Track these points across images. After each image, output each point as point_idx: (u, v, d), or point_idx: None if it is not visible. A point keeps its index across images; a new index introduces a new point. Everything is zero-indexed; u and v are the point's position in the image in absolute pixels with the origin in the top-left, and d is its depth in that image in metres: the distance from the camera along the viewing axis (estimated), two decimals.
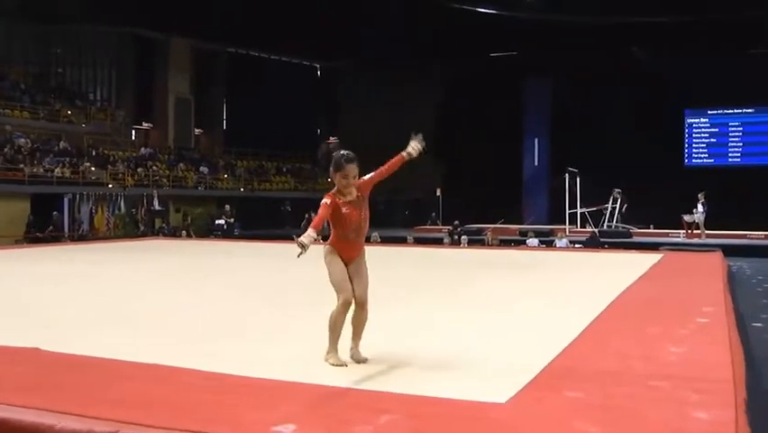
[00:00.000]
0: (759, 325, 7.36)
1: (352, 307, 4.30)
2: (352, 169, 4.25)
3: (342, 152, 4.30)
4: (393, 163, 4.41)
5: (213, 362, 4.33)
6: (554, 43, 28.22)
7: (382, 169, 4.40)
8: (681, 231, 22.94)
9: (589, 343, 5.03)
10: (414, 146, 4.49)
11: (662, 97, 28.76)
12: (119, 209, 25.33)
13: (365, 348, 4.46)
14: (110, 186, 25.79)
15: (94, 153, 27.37)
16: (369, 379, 4.00)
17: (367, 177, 4.37)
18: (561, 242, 19.42)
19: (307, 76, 38.73)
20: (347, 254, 4.32)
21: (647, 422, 3.24)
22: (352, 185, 4.27)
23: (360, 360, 4.35)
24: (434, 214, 30.78)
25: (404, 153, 4.45)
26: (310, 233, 3.95)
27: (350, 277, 4.29)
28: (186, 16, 28.59)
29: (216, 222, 25.45)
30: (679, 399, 3.59)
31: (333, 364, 4.23)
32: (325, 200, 4.23)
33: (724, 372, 4.15)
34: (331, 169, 4.29)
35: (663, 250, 15.87)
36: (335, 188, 4.32)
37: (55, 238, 21.67)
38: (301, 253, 3.91)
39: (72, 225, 23.87)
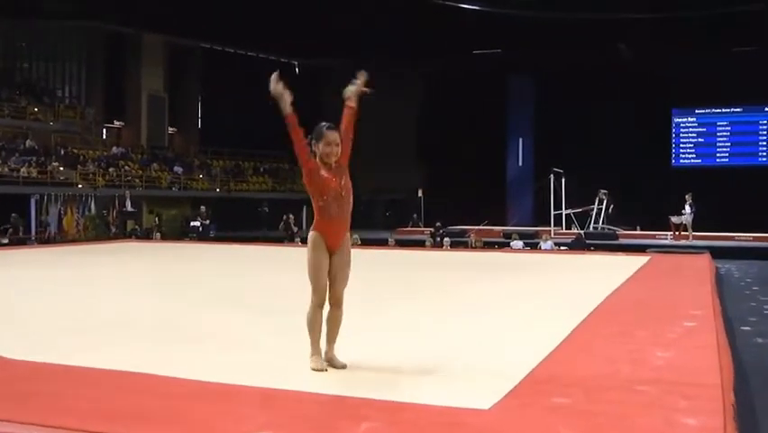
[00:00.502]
0: (747, 328, 7.41)
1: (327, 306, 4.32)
2: (334, 135, 4.30)
3: (321, 123, 4.36)
4: (345, 119, 4.39)
5: (187, 368, 4.29)
6: (539, 40, 28.34)
7: (342, 129, 4.36)
8: (669, 233, 23.12)
9: (575, 347, 5.04)
10: (350, 89, 4.46)
11: (649, 96, 28.98)
12: (89, 211, 25.09)
13: (345, 353, 4.44)
14: (80, 186, 25.56)
15: (62, 152, 27.11)
16: (348, 385, 3.97)
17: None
18: (546, 244, 19.45)
19: (286, 73, 38.58)
20: (332, 239, 4.28)
21: (634, 429, 3.25)
22: (335, 154, 4.28)
23: (337, 365, 4.31)
24: (415, 215, 30.78)
25: (347, 104, 4.44)
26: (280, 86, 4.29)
27: (330, 271, 4.27)
28: (158, 10, 28.39)
29: (191, 224, 25.27)
30: (666, 404, 3.60)
31: (312, 369, 4.23)
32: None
33: (712, 376, 4.16)
34: (313, 142, 4.34)
35: (651, 252, 15.96)
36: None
37: (20, 241, 21.40)
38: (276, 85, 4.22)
39: (39, 228, 23.59)
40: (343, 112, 4.41)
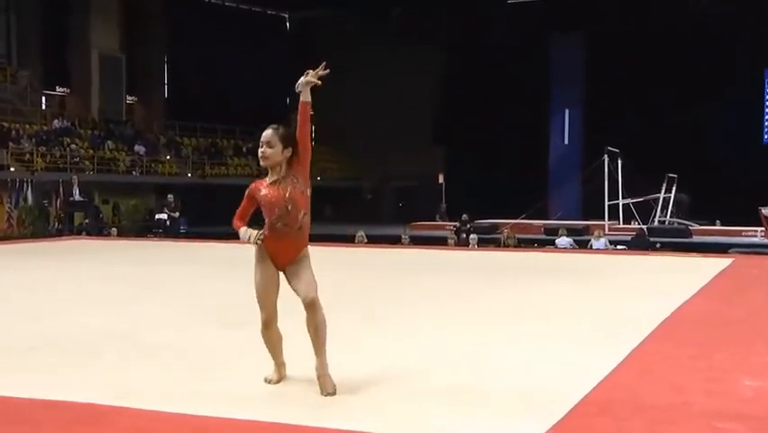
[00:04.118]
0: None
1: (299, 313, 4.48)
2: (266, 133, 4.48)
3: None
4: (299, 117, 4.52)
5: (153, 398, 4.33)
6: None
7: (299, 128, 4.52)
8: (759, 228, 23.00)
9: (635, 371, 5.01)
10: (301, 81, 4.54)
11: (731, 55, 28.67)
12: (25, 201, 25.13)
13: (345, 373, 4.47)
14: (12, 170, 25.59)
15: None
16: (349, 414, 3.97)
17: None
18: (598, 242, 19.41)
19: (274, 28, 38.63)
20: (279, 257, 4.50)
21: None
22: (265, 156, 4.46)
23: (326, 388, 4.35)
24: (444, 206, 30.39)
25: (302, 99, 4.52)
26: (242, 232, 4.48)
27: (290, 281, 4.50)
28: None
29: (156, 217, 25.34)
30: None
31: (265, 379, 4.66)
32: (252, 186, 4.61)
33: None
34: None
35: (734, 252, 15.87)
36: None
37: None
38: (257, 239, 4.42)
39: None
40: (300, 107, 4.54)
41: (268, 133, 4.47)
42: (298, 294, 4.42)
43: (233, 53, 34.81)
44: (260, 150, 4.47)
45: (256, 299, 4.57)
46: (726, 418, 3.93)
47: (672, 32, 29.03)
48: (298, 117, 4.48)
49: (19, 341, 6.08)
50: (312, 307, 4.37)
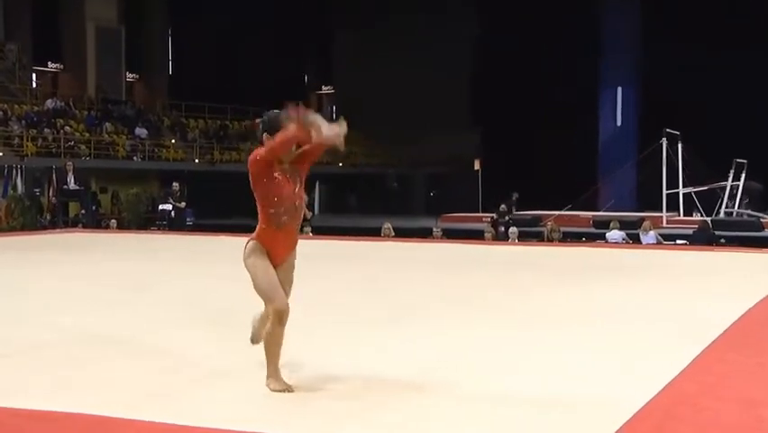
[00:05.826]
0: None
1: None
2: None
3: (274, 111, 4.85)
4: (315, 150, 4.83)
5: (152, 408, 4.36)
6: None
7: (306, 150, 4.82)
8: None
9: (698, 383, 4.96)
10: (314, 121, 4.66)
11: None
12: (14, 189, 25.30)
13: (379, 382, 4.70)
14: (0, 155, 25.75)
15: None
16: (383, 427, 4.01)
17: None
18: (646, 236, 19.16)
19: (289, 2, 38.62)
20: (277, 251, 4.80)
21: None
22: (293, 150, 4.74)
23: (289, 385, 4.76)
24: (515, 196, 29.18)
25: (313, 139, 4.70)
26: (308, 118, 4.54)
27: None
28: None
29: (160, 207, 25.49)
30: None
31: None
32: (260, 151, 4.68)
33: None
34: (264, 134, 4.77)
35: None
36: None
37: None
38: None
39: None
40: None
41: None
42: None
43: (243, 27, 34.81)
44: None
45: (264, 294, 4.73)
46: None
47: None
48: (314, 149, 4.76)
49: (1, 345, 6.13)
50: (284, 321, 4.71)
